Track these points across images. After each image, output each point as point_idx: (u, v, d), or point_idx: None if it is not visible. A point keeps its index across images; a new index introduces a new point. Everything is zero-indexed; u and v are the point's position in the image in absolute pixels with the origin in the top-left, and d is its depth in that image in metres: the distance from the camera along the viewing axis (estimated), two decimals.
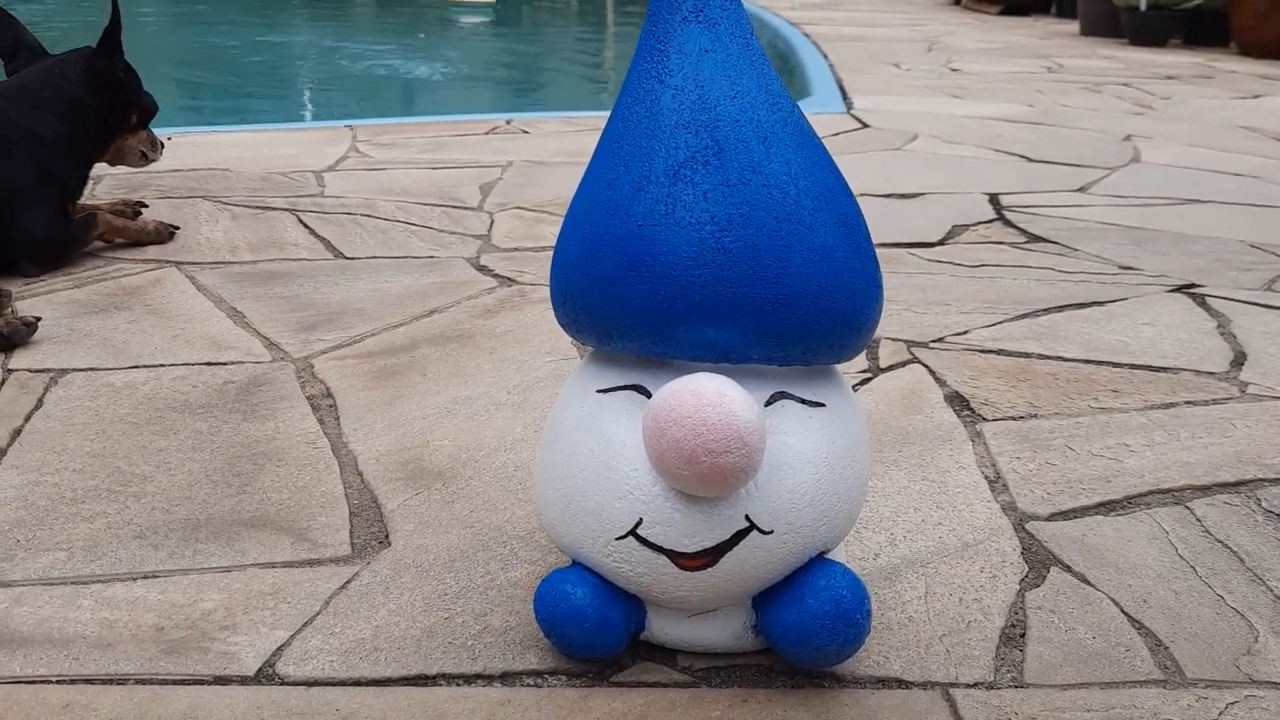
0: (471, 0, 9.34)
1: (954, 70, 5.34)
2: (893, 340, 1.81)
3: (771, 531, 0.93)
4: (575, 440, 0.98)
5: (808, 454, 0.95)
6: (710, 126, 0.92)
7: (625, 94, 0.97)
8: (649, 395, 0.96)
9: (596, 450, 0.96)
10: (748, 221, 0.91)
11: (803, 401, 0.97)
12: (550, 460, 1.01)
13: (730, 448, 0.88)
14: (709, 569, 0.94)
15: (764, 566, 0.95)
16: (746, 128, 0.93)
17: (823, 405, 0.97)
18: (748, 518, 0.93)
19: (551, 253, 1.01)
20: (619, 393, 0.98)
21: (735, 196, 0.91)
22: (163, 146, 2.34)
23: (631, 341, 0.95)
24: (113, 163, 2.30)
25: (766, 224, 0.91)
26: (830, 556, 1.00)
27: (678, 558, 0.94)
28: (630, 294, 0.92)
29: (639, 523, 0.94)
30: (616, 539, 0.95)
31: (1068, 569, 1.18)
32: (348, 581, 1.14)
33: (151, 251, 2.21)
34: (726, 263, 0.91)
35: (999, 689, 0.99)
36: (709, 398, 0.88)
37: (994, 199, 2.79)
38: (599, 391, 0.99)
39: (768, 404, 0.95)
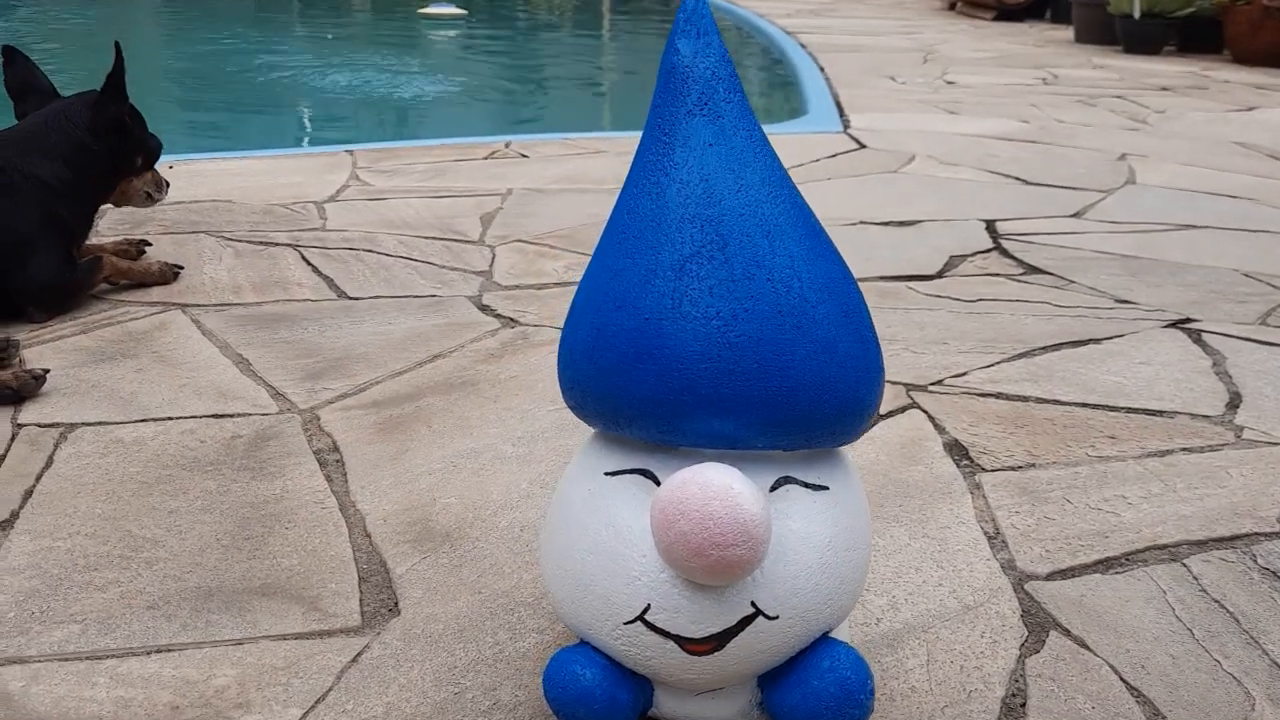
0: (441, 13, 9.37)
1: (949, 83, 5.36)
2: (892, 384, 1.83)
3: (777, 617, 0.95)
4: (584, 523, 1.00)
5: (812, 539, 0.97)
6: (715, 221, 0.94)
7: (631, 185, 0.99)
8: (656, 480, 0.97)
9: (605, 535, 0.98)
10: (752, 316, 0.93)
11: (806, 485, 0.98)
12: (558, 542, 1.02)
13: (737, 541, 0.89)
14: (716, 653, 0.96)
15: (769, 650, 0.97)
16: (750, 221, 0.95)
17: (826, 488, 0.99)
18: (753, 604, 0.95)
19: (559, 333, 1.02)
20: (626, 476, 1.00)
21: (740, 291, 0.93)
22: (168, 186, 2.36)
23: (639, 429, 0.97)
24: (118, 204, 2.31)
25: (771, 318, 0.93)
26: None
27: (685, 643, 0.96)
28: (638, 385, 0.94)
29: (647, 608, 0.96)
30: (625, 623, 0.97)
31: (1067, 633, 1.20)
32: (359, 654, 1.15)
33: (156, 293, 2.23)
34: (732, 357, 0.92)
35: None
36: (715, 491, 0.90)
37: (990, 226, 2.81)
38: (606, 474, 1.01)
39: (773, 489, 0.97)
